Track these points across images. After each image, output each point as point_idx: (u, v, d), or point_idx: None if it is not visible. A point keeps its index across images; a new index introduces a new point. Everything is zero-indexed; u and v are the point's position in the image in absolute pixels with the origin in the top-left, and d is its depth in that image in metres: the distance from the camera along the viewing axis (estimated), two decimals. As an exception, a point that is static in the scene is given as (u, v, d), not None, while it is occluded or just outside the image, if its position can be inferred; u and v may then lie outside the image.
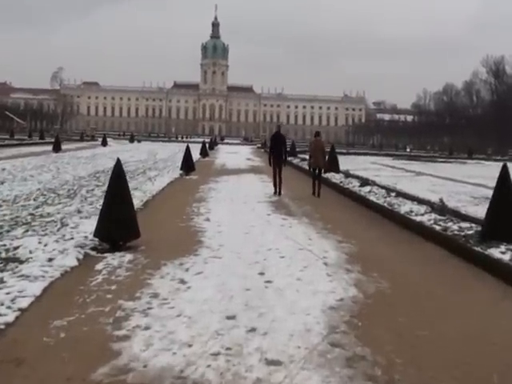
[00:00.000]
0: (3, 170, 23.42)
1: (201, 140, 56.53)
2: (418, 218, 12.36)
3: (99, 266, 8.07)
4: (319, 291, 7.05)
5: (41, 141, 58.54)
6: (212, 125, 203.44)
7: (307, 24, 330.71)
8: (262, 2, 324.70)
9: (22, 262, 7.89)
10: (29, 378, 4.52)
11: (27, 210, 12.71)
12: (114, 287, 7.04)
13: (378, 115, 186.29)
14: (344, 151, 61.31)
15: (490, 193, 19.38)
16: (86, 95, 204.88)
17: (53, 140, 45.25)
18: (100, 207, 9.82)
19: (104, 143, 59.92)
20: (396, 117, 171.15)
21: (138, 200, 14.71)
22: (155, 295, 6.71)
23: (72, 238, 9.60)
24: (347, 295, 6.95)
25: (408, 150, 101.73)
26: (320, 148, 19.27)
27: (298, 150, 44.15)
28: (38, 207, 13.29)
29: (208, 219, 12.71)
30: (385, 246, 10.52)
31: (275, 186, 18.46)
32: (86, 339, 5.31)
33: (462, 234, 10.45)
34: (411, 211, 13.33)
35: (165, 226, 11.72)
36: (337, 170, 25.16)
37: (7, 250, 8.62)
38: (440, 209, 12.99)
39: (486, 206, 10.03)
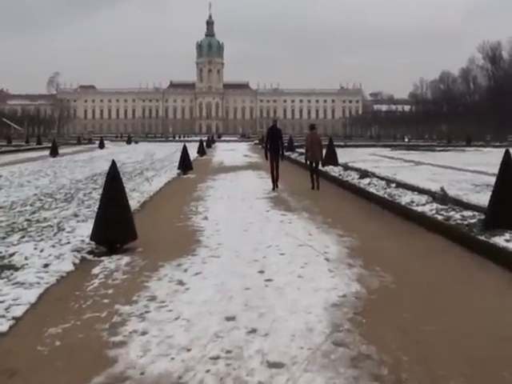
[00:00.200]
0: (0, 176, 23.26)
1: (198, 139, 56.34)
2: (420, 209, 12.17)
3: (96, 270, 7.91)
4: (321, 288, 6.86)
5: (38, 146, 58.42)
6: (209, 123, 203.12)
7: (302, 17, 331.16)
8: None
9: (17, 269, 7.74)
10: (21, 391, 4.36)
11: (24, 216, 12.57)
12: (110, 291, 6.87)
13: (375, 106, 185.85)
14: (342, 144, 61.06)
15: (491, 180, 19.23)
16: (82, 99, 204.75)
17: (50, 145, 45.05)
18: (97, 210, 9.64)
19: (101, 146, 59.80)
20: (393, 107, 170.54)
21: (135, 201, 14.59)
22: (153, 298, 6.54)
23: (68, 243, 9.45)
24: (350, 291, 6.77)
25: (406, 140, 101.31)
26: (317, 141, 19.16)
27: (295, 144, 43.90)
28: (34, 212, 13.15)
29: (206, 218, 12.54)
30: (386, 239, 10.34)
31: (273, 180, 18.35)
32: (82, 347, 5.14)
33: (465, 222, 10.25)
34: (412, 202, 13.14)
35: (162, 227, 11.56)
36: (335, 162, 24.96)
37: (2, 258, 8.48)
38: (441, 198, 12.80)
39: (488, 193, 9.87)
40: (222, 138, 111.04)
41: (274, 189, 18.11)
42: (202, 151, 41.14)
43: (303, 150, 22.68)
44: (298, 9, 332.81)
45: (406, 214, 12.34)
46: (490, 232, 9.07)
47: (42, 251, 8.84)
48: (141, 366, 4.71)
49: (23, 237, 10.09)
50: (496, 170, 9.57)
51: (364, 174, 19.70)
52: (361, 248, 9.32)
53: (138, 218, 11.90)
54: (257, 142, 77.30)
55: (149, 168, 28.23)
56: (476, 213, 10.91)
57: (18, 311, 6.06)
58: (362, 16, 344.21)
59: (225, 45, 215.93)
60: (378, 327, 5.59)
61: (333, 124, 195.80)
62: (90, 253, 8.88)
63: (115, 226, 8.67)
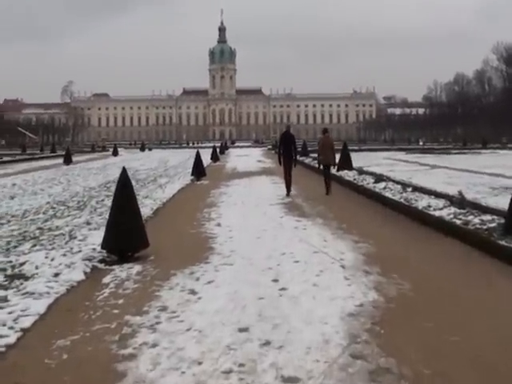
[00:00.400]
0: (14, 185, 23.27)
1: (211, 145, 56.27)
2: (437, 213, 11.92)
3: (106, 280, 7.76)
4: (337, 297, 6.65)
5: (52, 154, 58.62)
6: (222, 129, 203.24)
7: (314, 21, 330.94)
8: (267, 3, 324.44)
9: (27, 279, 7.63)
10: (27, 408, 4.20)
11: (36, 224, 12.48)
12: (121, 301, 6.71)
13: (389, 110, 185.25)
14: (356, 148, 60.72)
15: (509, 183, 18.92)
16: (96, 107, 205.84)
17: (64, 153, 45.14)
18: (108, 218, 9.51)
19: (115, 153, 59.92)
20: (407, 110, 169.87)
21: (148, 208, 14.50)
22: (164, 308, 6.37)
23: (80, 251, 9.32)
24: (367, 300, 6.55)
25: (421, 143, 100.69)
26: (329, 145, 19.05)
27: (309, 149, 43.64)
28: (46, 221, 13.06)
29: (219, 224, 12.37)
30: (404, 244, 10.12)
31: (287, 186, 18.24)
32: (90, 360, 4.98)
33: (484, 227, 9.99)
34: (429, 206, 12.89)
35: (175, 234, 11.40)
36: (350, 167, 24.70)
37: (13, 267, 8.38)
38: (459, 202, 12.52)
39: (507, 196, 9.63)
40: (236, 144, 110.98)
41: (288, 194, 17.99)
42: (215, 157, 41.06)
43: (316, 155, 22.49)
44: (310, 13, 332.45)
45: (423, 219, 12.09)
46: (510, 237, 8.82)
47: (52, 260, 8.72)
48: (150, 380, 4.53)
49: (34, 245, 9.98)
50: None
51: (379, 178, 19.45)
52: (377, 254, 9.10)
53: (150, 225, 11.82)
54: (270, 147, 77.12)
55: (162, 175, 28.15)
56: (495, 217, 10.64)
57: (27, 322, 5.93)
58: (375, 19, 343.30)
59: (237, 51, 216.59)
60: (397, 338, 5.38)
61: (346, 128, 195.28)
62: (101, 261, 8.74)
63: (126, 234, 8.53)
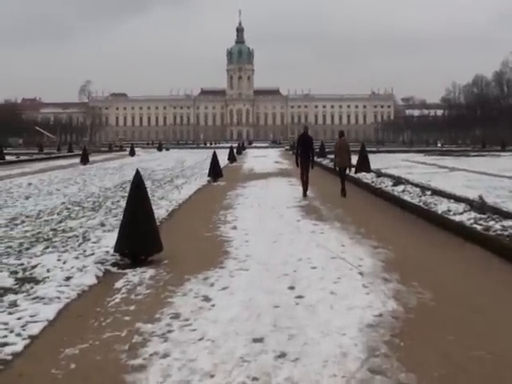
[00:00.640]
0: (29, 184, 23.26)
1: (229, 145, 56.12)
2: (457, 218, 11.64)
3: (119, 284, 7.59)
4: (355, 306, 6.42)
5: (69, 154, 58.80)
6: (240, 129, 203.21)
7: (332, 22, 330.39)
8: (285, 3, 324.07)
9: (38, 282, 7.49)
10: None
11: (49, 225, 12.37)
12: (132, 308, 6.53)
13: (407, 111, 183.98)
14: (374, 149, 60.31)
15: (531, 187, 18.39)
16: (114, 106, 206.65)
17: (81, 152, 45.21)
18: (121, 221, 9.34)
19: (132, 153, 59.96)
20: (425, 112, 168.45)
21: (163, 210, 14.36)
22: (176, 316, 6.17)
23: (93, 254, 9.17)
24: (386, 310, 6.31)
25: (439, 145, 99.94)
26: (345, 147, 19.13)
27: (327, 150, 43.37)
28: (60, 222, 12.95)
29: (235, 227, 12.17)
30: (423, 250, 9.86)
31: (303, 187, 18.34)
32: (98, 370, 4.80)
33: (506, 233, 9.72)
34: (449, 210, 12.61)
35: (190, 237, 11.22)
36: (368, 169, 24.44)
37: (24, 270, 8.25)
38: (480, 207, 12.23)
39: (530, 201, 9.33)
40: (253, 145, 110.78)
41: (304, 195, 18.02)
42: (232, 158, 40.91)
43: (333, 156, 22.33)
44: (329, 13, 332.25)
45: (443, 224, 11.82)
46: (533, 244, 8.55)
47: (65, 263, 8.58)
48: (160, 394, 4.35)
49: (47, 247, 9.86)
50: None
51: (398, 180, 19.17)
52: (396, 260, 8.85)
53: (165, 228, 11.69)
54: (287, 148, 76.89)
55: (179, 175, 28.03)
56: (518, 223, 10.37)
57: (35, 329, 5.77)
58: (393, 20, 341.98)
59: (255, 51, 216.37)
60: (417, 352, 5.14)
61: (364, 129, 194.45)
62: (114, 265, 8.58)
63: (139, 237, 8.35)
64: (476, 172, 29.61)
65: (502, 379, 4.60)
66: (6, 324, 5.84)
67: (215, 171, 24.48)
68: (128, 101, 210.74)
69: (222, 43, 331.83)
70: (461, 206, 12.89)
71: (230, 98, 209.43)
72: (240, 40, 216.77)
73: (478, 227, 10.58)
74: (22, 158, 49.21)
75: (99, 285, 7.59)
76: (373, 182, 20.68)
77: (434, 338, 5.52)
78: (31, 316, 6.10)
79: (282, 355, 5.03)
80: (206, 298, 6.83)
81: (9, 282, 7.55)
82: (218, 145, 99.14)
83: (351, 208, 15.46)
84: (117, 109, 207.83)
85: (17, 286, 7.33)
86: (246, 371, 4.70)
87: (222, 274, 8.06)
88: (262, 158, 51.21)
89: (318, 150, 37.72)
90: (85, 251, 9.39)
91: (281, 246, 10.08)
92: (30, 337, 5.56)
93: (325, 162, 33.87)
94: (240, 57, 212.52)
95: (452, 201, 14.00)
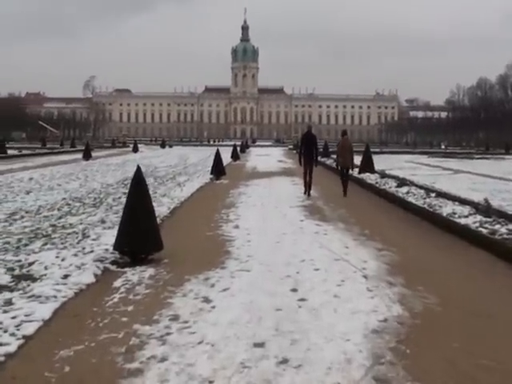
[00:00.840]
0: (31, 179, 23.11)
1: (232, 143, 55.92)
2: (463, 221, 11.46)
3: (117, 283, 7.42)
4: (359, 310, 6.24)
5: (72, 149, 58.52)
6: (244, 128, 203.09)
7: (338, 22, 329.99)
8: (290, 3, 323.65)
9: (34, 280, 7.32)
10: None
11: (49, 221, 12.20)
12: (130, 308, 6.35)
13: (411, 113, 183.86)
14: (377, 150, 60.07)
15: (537, 191, 18.21)
16: (117, 102, 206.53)
17: (84, 148, 45.05)
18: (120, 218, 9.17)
19: (135, 149, 59.80)
20: (429, 114, 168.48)
21: (165, 207, 14.21)
22: (175, 317, 6.00)
23: (92, 251, 9.00)
24: (391, 314, 6.13)
25: (443, 147, 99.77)
26: (348, 147, 19.09)
27: (330, 150, 43.15)
28: (60, 218, 12.78)
29: (237, 226, 12.00)
30: (428, 253, 9.69)
31: (305, 186, 18.35)
32: (93, 374, 4.62)
33: (512, 237, 9.56)
34: (454, 213, 12.43)
35: (191, 236, 11.04)
36: (372, 170, 24.27)
37: (21, 267, 8.07)
38: (485, 210, 12.06)
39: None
40: (257, 143, 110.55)
41: (305, 193, 18.19)
42: (235, 156, 40.72)
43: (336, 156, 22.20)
44: (334, 12, 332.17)
45: (448, 226, 11.65)
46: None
47: (63, 260, 8.41)
48: (156, 401, 4.18)
49: (46, 244, 9.68)
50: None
51: (402, 182, 19.00)
52: (401, 263, 8.68)
53: (166, 226, 11.53)
54: (291, 147, 76.73)
55: (181, 173, 27.86)
56: (524, 227, 10.20)
57: (30, 328, 5.60)
58: (397, 22, 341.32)
59: (260, 49, 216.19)
60: (424, 359, 4.97)
61: (368, 130, 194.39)
62: (113, 263, 8.40)
63: (139, 235, 8.17)
64: (480, 175, 29.47)
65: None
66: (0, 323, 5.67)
67: (218, 169, 24.30)
68: (132, 97, 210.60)
69: (226, 41, 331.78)
70: (466, 209, 12.72)
71: (235, 96, 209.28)
72: (245, 38, 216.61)
73: (484, 231, 10.42)
74: (24, 152, 49.07)
75: (97, 283, 7.41)
76: (377, 182, 20.52)
77: (441, 344, 5.35)
78: (26, 315, 5.92)
79: (284, 361, 4.86)
80: (206, 300, 6.65)
81: (5, 279, 7.39)
82: (221, 143, 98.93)
83: (355, 209, 15.29)
84: (121, 105, 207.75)
85: (13, 284, 7.15)
86: (246, 378, 4.53)
87: (222, 274, 7.88)
88: (266, 157, 51.05)
89: (321, 150, 37.52)
90: (84, 248, 9.22)
91: (283, 247, 9.90)
92: (25, 337, 5.38)
93: (328, 161, 33.68)
94: (245, 55, 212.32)
95: (457, 203, 13.84)
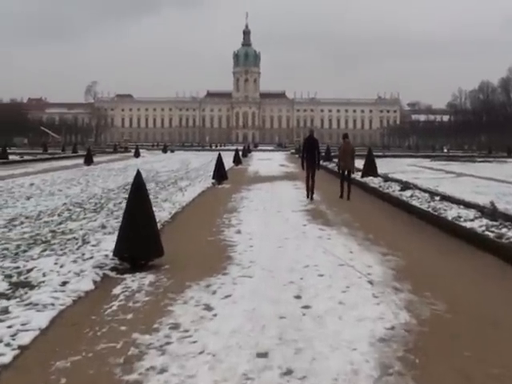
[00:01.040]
0: (32, 184, 22.96)
1: (234, 148, 55.75)
2: (468, 225, 11.27)
3: (117, 290, 7.24)
4: (365, 318, 6.05)
5: (73, 154, 58.42)
6: (245, 132, 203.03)
7: (339, 27, 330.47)
8: (292, 7, 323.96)
9: (32, 288, 7.14)
10: None
11: (49, 227, 12.04)
12: (129, 316, 6.17)
13: (413, 116, 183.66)
14: (380, 154, 59.94)
15: (543, 194, 18.00)
16: (119, 107, 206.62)
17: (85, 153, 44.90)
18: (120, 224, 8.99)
19: (137, 154, 59.69)
20: (431, 117, 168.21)
21: (166, 212, 14.06)
22: (175, 326, 5.81)
23: (91, 258, 8.83)
24: (398, 322, 5.94)
25: (445, 150, 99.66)
26: (350, 151, 19.04)
27: (332, 154, 42.97)
28: (60, 223, 12.61)
29: (239, 231, 11.82)
30: (434, 258, 9.50)
31: (308, 189, 18.32)
32: (90, 387, 4.45)
33: (519, 241, 9.37)
34: (459, 217, 12.24)
35: (192, 241, 10.87)
36: (375, 173, 24.09)
37: (19, 273, 7.90)
38: (491, 213, 11.86)
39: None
40: (259, 148, 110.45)
41: (308, 197, 18.11)
42: (237, 160, 40.57)
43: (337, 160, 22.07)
44: (335, 17, 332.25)
45: (453, 230, 11.47)
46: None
47: (62, 267, 8.24)
48: (155, 415, 4.00)
49: (45, 250, 9.51)
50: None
51: (405, 185, 18.80)
52: (407, 269, 8.49)
53: (167, 231, 11.37)
54: (293, 151, 76.61)
55: (183, 177, 27.71)
56: (531, 230, 10.01)
57: (26, 338, 5.42)
58: (400, 25, 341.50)
59: (261, 54, 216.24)
60: (433, 369, 4.78)
61: (370, 134, 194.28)
62: (112, 269, 8.23)
63: (139, 241, 8.00)
64: (484, 178, 29.30)
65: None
66: (-5, 333, 5.50)
67: (220, 173, 24.13)
68: (134, 102, 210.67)
69: (228, 45, 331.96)
70: (471, 213, 12.53)
71: (236, 101, 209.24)
72: (247, 43, 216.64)
73: (490, 234, 10.23)
74: (25, 157, 48.92)
75: (96, 290, 7.24)
76: (380, 186, 20.33)
77: (451, 353, 5.17)
78: (23, 324, 5.75)
79: (288, 372, 4.67)
80: (208, 307, 6.46)
81: (2, 286, 7.21)
82: (223, 147, 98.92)
83: (358, 213, 15.11)
84: (122, 110, 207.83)
85: (10, 291, 6.98)
86: (249, 390, 4.35)
87: (224, 280, 7.70)
88: (268, 161, 50.87)
89: (323, 154, 37.36)
90: (83, 254, 9.05)
91: (286, 252, 9.72)
92: (20, 347, 5.21)
93: (331, 165, 33.52)
94: (246, 59, 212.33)
95: (462, 207, 13.66)
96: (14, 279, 7.58)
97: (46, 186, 22.50)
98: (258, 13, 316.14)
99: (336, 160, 30.89)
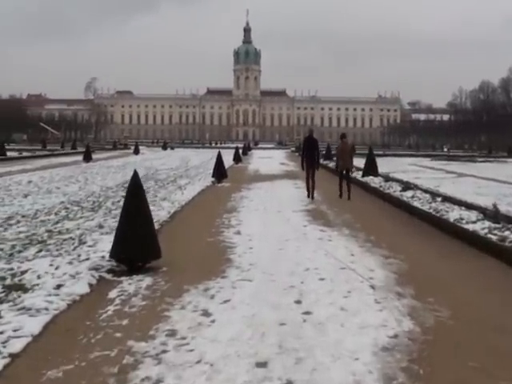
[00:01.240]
0: (29, 182, 22.77)
1: (234, 146, 55.55)
2: (471, 227, 11.10)
3: (113, 294, 7.07)
4: (368, 325, 5.87)
5: (73, 151, 58.17)
6: (246, 130, 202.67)
7: (340, 25, 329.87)
8: (293, 4, 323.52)
9: (26, 291, 6.96)
10: None
11: (45, 226, 11.87)
12: (125, 322, 5.99)
13: (414, 115, 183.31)
14: (380, 153, 59.74)
15: (546, 195, 17.82)
16: (119, 104, 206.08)
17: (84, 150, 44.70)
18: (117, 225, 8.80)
19: (136, 151, 59.52)
20: (432, 116, 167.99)
21: (164, 211, 13.90)
22: (172, 333, 5.64)
23: (87, 259, 8.66)
24: (402, 330, 5.76)
25: (445, 149, 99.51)
26: (348, 151, 19.14)
27: (333, 152, 42.78)
28: (57, 222, 12.44)
29: (239, 232, 11.65)
30: (436, 261, 9.34)
31: (308, 189, 18.26)
32: (83, 398, 4.28)
33: (523, 244, 9.21)
34: (461, 218, 12.07)
35: (191, 242, 10.70)
36: (376, 173, 23.91)
37: (13, 275, 7.72)
38: (493, 215, 11.69)
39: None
40: (259, 146, 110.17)
41: (308, 196, 18.03)
42: (237, 158, 40.44)
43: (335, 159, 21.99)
44: (337, 15, 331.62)
45: (455, 232, 11.32)
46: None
47: (57, 269, 8.07)
48: (150, 430, 3.82)
49: (40, 251, 9.34)
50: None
51: (406, 186, 18.63)
52: (409, 272, 8.32)
53: (165, 231, 11.23)
54: (293, 149, 76.44)
55: (183, 175, 27.53)
56: (534, 233, 9.85)
57: (18, 345, 5.25)
58: (401, 23, 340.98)
59: (262, 51, 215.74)
60: (439, 381, 4.61)
61: (370, 133, 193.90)
62: (109, 271, 8.06)
63: (136, 242, 7.82)
64: (485, 178, 29.15)
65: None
66: (-15, 340, 5.33)
67: (220, 172, 23.96)
68: (134, 98, 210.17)
69: (229, 43, 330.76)
70: (473, 214, 12.38)
71: (237, 99, 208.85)
72: (247, 40, 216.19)
73: (493, 237, 10.06)
74: (24, 154, 48.76)
75: (92, 294, 7.07)
76: (381, 186, 20.16)
77: (455, 363, 5.00)
78: (14, 330, 5.57)
79: (288, 383, 4.50)
80: (206, 313, 6.28)
81: (-5, 289, 7.05)
82: (223, 145, 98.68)
83: (359, 213, 14.94)
84: (122, 106, 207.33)
85: (3, 295, 6.80)
86: (247, 403, 4.18)
87: (223, 284, 7.52)
88: (268, 160, 50.66)
89: (324, 153, 37.19)
90: (79, 256, 8.88)
91: (287, 254, 9.54)
92: (11, 355, 5.03)
93: (331, 164, 33.33)
94: (247, 57, 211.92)
95: (463, 208, 13.51)
96: (8, 282, 7.41)
97: (43, 183, 22.31)
98: (259, 10, 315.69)
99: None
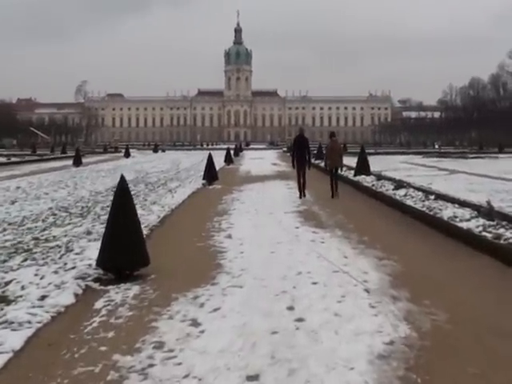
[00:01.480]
0: (18, 188, 22.47)
1: (226, 147, 55.34)
2: (465, 225, 10.92)
3: (99, 304, 6.84)
4: (363, 331, 5.67)
5: (62, 155, 57.73)
6: (237, 131, 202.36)
7: (331, 24, 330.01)
8: (284, 5, 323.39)
9: (9, 303, 6.72)
10: None
11: (32, 234, 11.61)
12: (111, 334, 5.77)
13: (404, 113, 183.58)
14: (372, 151, 59.56)
15: (538, 191, 17.67)
16: (110, 107, 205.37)
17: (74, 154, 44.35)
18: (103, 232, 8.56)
19: (127, 155, 59.22)
20: (422, 114, 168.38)
21: (154, 216, 13.68)
22: (160, 345, 5.41)
23: (74, 268, 8.42)
24: (398, 335, 5.56)
25: (436, 146, 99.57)
26: (337, 150, 19.23)
27: (324, 152, 42.65)
28: (44, 229, 12.19)
29: (229, 236, 11.43)
30: (431, 261, 9.15)
31: (300, 189, 18.23)
32: (64, 419, 4.06)
33: (518, 242, 9.05)
34: (455, 216, 11.90)
35: (181, 247, 10.47)
36: (367, 171, 23.75)
37: (-4, 287, 7.46)
38: (488, 213, 11.51)
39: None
40: (250, 146, 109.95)
41: (300, 197, 18.01)
42: (229, 160, 40.23)
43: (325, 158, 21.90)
44: (327, 16, 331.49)
45: (449, 231, 11.14)
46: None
47: (42, 278, 7.84)
48: None
49: (26, 260, 9.09)
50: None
51: (399, 184, 18.44)
52: (404, 274, 8.13)
53: (155, 237, 11.01)
54: (285, 149, 76.33)
55: (173, 178, 27.28)
56: (529, 230, 9.69)
57: (-2, 362, 5.02)
58: (390, 22, 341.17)
59: (253, 52, 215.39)
60: (438, 391, 4.42)
61: (362, 131, 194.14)
62: (96, 280, 7.83)
63: (123, 250, 7.59)
64: (477, 175, 29.02)
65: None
66: (-36, 357, 5.10)
67: (211, 174, 23.75)
68: (124, 101, 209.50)
69: (219, 44, 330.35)
70: (467, 212, 12.22)
71: (228, 99, 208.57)
72: (238, 41, 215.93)
73: (488, 235, 9.89)
74: (13, 159, 48.31)
75: (77, 304, 6.84)
76: (373, 185, 19.99)
77: (454, 370, 4.82)
78: (-5, 346, 5.35)
79: (281, 398, 4.30)
80: (195, 323, 6.06)
81: (-23, 302, 6.80)
82: (215, 146, 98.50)
83: (352, 213, 14.75)
84: (113, 109, 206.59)
85: (-15, 308, 6.57)
86: (237, 420, 3.97)
87: (213, 291, 7.30)
88: (259, 160, 50.47)
89: (315, 152, 37.05)
90: (65, 264, 8.63)
91: (279, 258, 9.32)
92: (-10, 373, 4.82)
93: (323, 163, 33.19)
94: (238, 58, 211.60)
95: (457, 206, 13.35)
96: (-9, 293, 7.17)
97: (32, 189, 21.99)
98: (250, 11, 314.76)
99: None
